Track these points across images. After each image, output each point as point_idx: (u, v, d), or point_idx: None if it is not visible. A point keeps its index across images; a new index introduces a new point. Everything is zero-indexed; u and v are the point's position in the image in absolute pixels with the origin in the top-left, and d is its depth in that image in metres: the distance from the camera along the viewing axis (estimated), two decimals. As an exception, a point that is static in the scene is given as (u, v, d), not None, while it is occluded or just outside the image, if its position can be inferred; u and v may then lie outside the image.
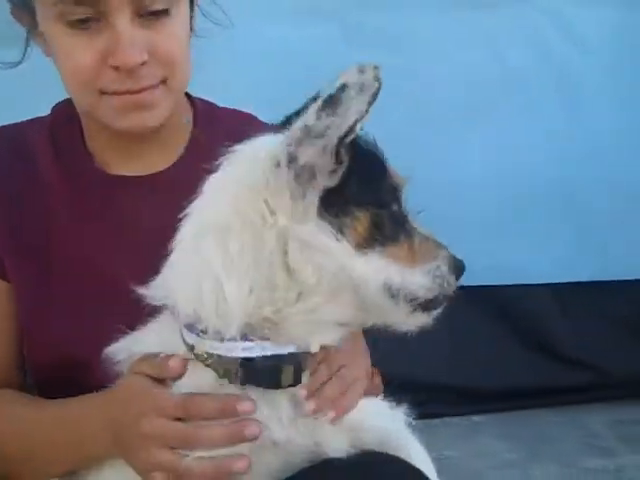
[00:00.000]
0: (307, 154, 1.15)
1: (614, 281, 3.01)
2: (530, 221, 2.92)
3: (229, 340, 1.19)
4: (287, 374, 1.21)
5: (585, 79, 2.86)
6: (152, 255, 1.45)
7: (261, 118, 1.61)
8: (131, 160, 1.52)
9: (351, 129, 1.14)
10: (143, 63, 1.36)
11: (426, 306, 1.24)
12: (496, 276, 2.85)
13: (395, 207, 1.23)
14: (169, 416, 1.21)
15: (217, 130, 1.56)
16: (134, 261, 1.44)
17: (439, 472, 2.51)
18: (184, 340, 1.23)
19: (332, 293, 1.20)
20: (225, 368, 1.20)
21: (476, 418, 2.87)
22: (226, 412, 1.19)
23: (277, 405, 1.24)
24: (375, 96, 1.13)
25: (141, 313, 1.41)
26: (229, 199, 1.21)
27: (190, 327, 1.21)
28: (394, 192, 1.25)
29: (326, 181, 1.17)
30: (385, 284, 1.20)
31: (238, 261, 1.18)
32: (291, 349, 1.21)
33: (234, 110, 1.67)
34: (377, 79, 1.13)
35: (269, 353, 1.20)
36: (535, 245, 2.92)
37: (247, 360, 1.19)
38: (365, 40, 2.70)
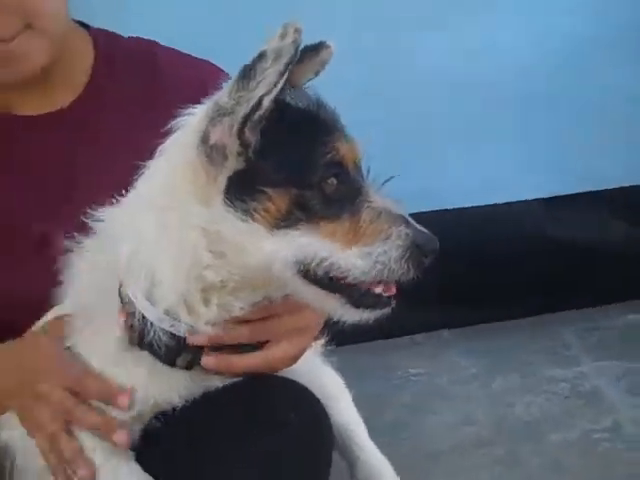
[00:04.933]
0: (215, 134, 1.09)
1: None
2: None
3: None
4: (184, 359, 1.23)
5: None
6: (57, 193, 1.48)
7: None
8: (29, 100, 1.50)
9: (257, 105, 1.05)
10: None
11: (361, 302, 1.14)
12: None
13: (334, 182, 1.11)
14: (61, 385, 1.26)
15: (119, 64, 1.56)
16: (41, 200, 1.47)
17: (404, 389, 2.60)
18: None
19: (243, 283, 1.16)
20: (133, 324, 1.21)
21: (446, 334, 2.88)
22: (107, 398, 1.25)
23: (176, 377, 1.25)
24: (288, 65, 1.03)
25: (48, 255, 1.40)
26: (167, 172, 1.17)
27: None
28: (336, 165, 1.12)
29: (236, 164, 1.10)
30: (298, 260, 1.11)
31: (171, 240, 1.15)
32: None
33: (137, 39, 1.63)
34: (295, 43, 1.02)
35: (174, 331, 1.20)
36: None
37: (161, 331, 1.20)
38: None
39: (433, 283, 2.71)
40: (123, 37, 1.64)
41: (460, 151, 2.74)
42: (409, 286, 1.14)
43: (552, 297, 2.89)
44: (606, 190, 2.85)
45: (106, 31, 1.63)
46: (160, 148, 1.19)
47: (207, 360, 1.22)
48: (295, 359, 1.30)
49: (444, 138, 2.73)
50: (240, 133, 1.07)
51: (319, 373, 1.43)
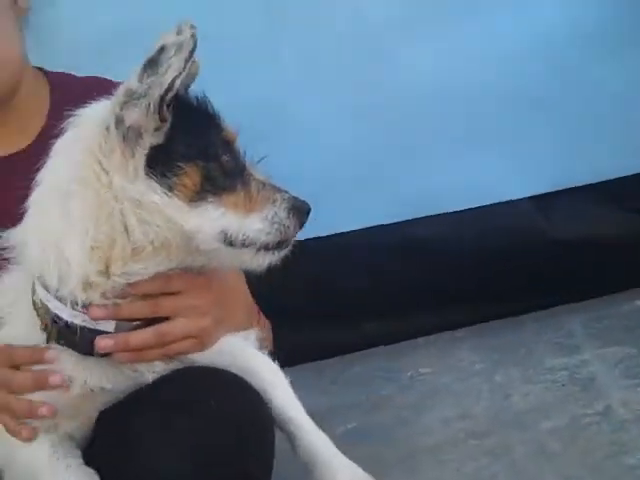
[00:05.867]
0: (131, 115, 1.27)
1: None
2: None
3: (62, 302, 1.32)
4: None
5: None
6: None
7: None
8: None
9: (170, 86, 1.24)
10: None
11: (270, 248, 1.35)
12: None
13: (228, 158, 1.34)
14: None
15: (73, 105, 1.60)
16: None
17: (412, 389, 2.70)
18: (33, 286, 1.36)
19: (163, 247, 1.31)
20: (48, 323, 1.34)
21: (459, 333, 2.96)
22: (34, 359, 1.36)
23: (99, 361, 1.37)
24: (192, 53, 1.24)
25: None
26: (69, 163, 1.33)
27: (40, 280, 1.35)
28: (226, 145, 1.35)
29: (152, 139, 1.28)
30: (221, 232, 1.31)
31: (79, 223, 1.29)
32: (109, 328, 1.33)
33: (93, 77, 1.75)
34: (193, 37, 1.23)
35: (89, 326, 1.33)
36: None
37: (67, 325, 1.33)
38: None
39: (450, 287, 2.88)
40: (78, 77, 1.75)
41: (448, 156, 2.84)
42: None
43: (558, 291, 2.92)
44: (600, 182, 2.87)
45: (62, 73, 1.74)
46: (54, 149, 1.35)
47: (102, 340, 1.32)
48: (201, 341, 1.40)
49: (431, 146, 2.83)
50: (159, 111, 1.26)
51: (253, 362, 1.50)
